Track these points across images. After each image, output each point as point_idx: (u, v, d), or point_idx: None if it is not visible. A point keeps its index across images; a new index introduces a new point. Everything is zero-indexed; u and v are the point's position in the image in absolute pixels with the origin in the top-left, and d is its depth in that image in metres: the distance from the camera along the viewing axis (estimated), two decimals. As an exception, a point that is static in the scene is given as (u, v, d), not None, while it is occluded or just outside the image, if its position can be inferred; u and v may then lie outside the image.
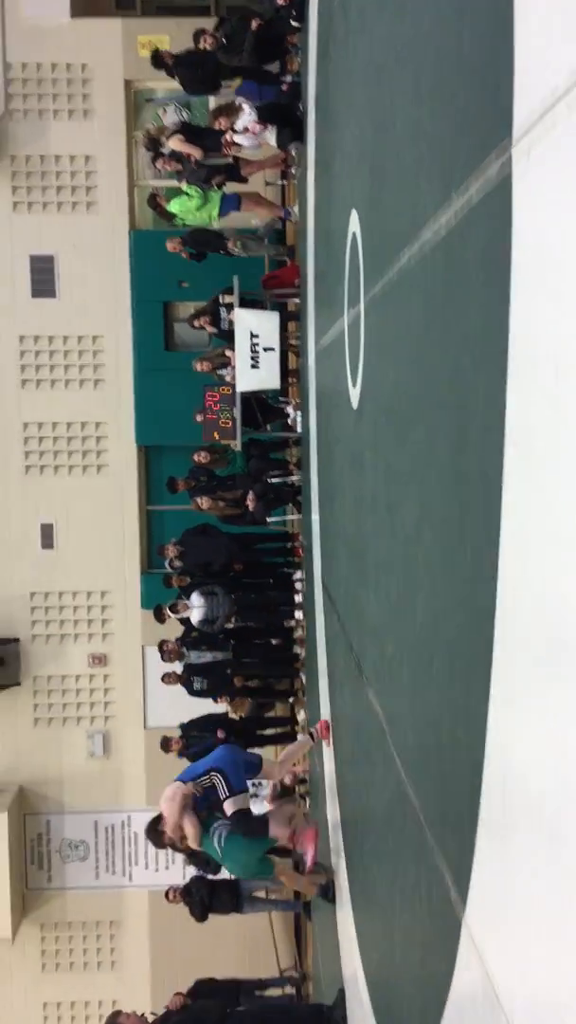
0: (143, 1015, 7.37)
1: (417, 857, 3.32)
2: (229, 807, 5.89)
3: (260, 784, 10.02)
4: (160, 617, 10.62)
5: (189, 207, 10.53)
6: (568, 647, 1.80)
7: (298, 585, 10.83)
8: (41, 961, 13.49)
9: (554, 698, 1.88)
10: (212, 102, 11.20)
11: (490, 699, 2.30)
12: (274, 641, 11.35)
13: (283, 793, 9.99)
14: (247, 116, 9.50)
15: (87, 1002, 13.52)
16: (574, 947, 1.77)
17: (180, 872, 11.77)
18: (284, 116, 9.53)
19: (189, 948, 11.60)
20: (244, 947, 11.82)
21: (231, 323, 10.46)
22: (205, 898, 9.52)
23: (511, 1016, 2.18)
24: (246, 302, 10.68)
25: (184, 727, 10.65)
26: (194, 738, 10.55)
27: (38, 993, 13.47)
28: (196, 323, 10.92)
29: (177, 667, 10.67)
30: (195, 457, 10.87)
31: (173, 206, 10.60)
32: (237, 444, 10.89)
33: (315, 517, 8.29)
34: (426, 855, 3.13)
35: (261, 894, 10.25)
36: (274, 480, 10.91)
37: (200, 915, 9.56)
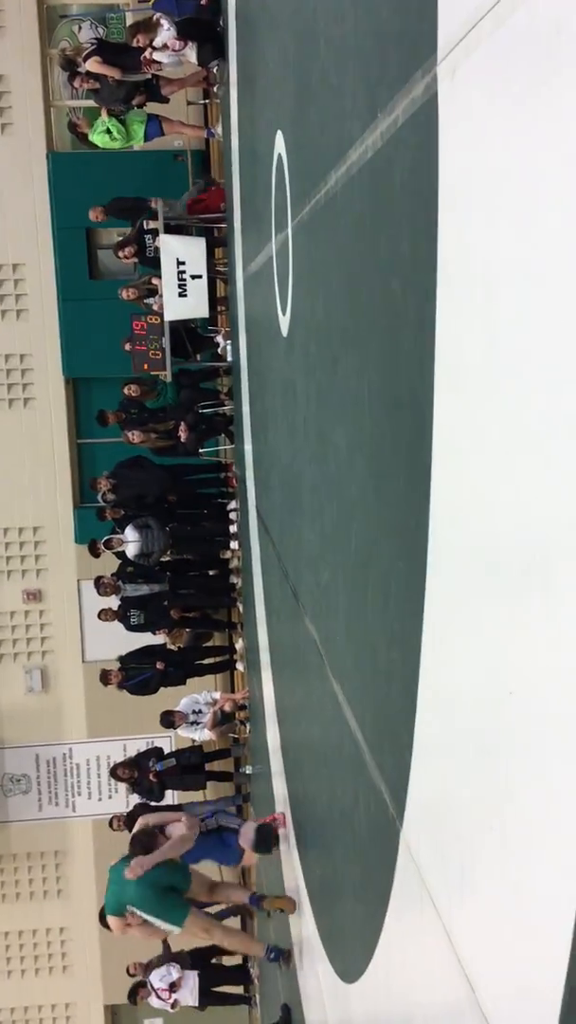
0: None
1: (355, 777, 3.41)
2: None
3: (200, 712, 10.15)
4: (94, 551, 10.56)
5: (111, 145, 10.24)
6: (498, 570, 1.83)
7: (233, 515, 10.84)
8: (-12, 893, 13.65)
9: (485, 619, 1.92)
10: (130, 17, 10.79)
11: (424, 622, 2.34)
12: (210, 572, 11.38)
13: (223, 720, 10.15)
14: (166, 32, 9.17)
15: (35, 930, 13.74)
16: (505, 851, 1.84)
17: (123, 801, 11.92)
18: (204, 32, 9.22)
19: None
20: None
21: (156, 250, 10.23)
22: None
23: (448, 919, 2.27)
24: (171, 228, 10.44)
25: (123, 659, 10.70)
26: (133, 670, 10.61)
27: (-15, 924, 13.65)
28: (121, 254, 10.66)
29: (113, 602, 10.65)
30: (125, 390, 10.71)
31: (95, 138, 10.26)
32: (167, 375, 10.74)
33: (248, 447, 8.26)
34: (364, 774, 3.21)
35: (204, 818, 10.45)
36: (205, 411, 10.82)
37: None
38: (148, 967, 9.37)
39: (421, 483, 2.27)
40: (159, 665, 10.53)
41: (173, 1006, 9.53)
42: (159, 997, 9.40)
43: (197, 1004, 9.65)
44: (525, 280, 1.61)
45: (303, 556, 4.81)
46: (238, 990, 10.85)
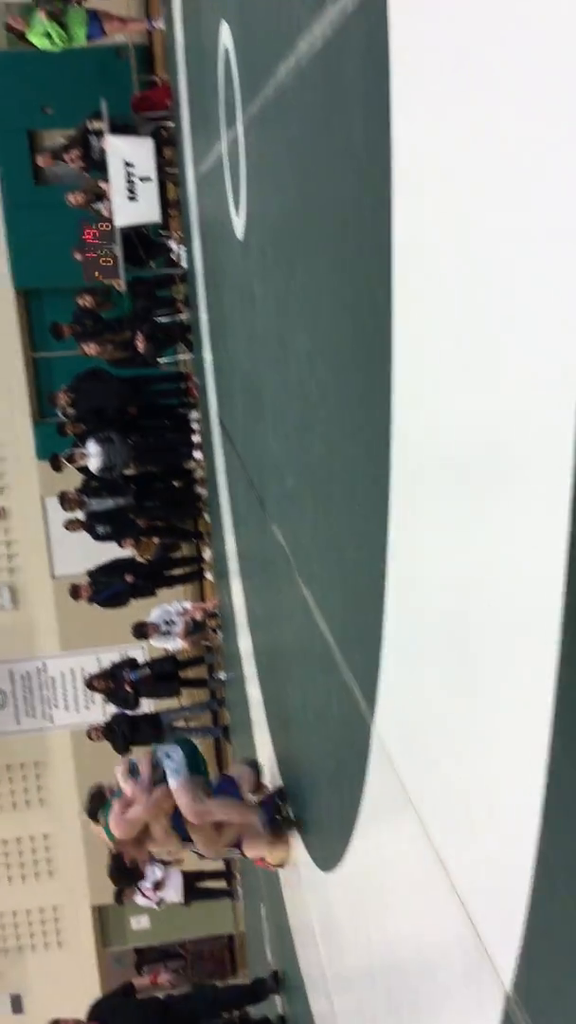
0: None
1: (327, 676, 3.48)
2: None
3: (172, 622, 10.25)
4: (56, 466, 10.48)
5: (51, 48, 9.82)
6: (461, 466, 1.84)
7: (195, 425, 10.77)
8: (-29, 805, 13.91)
9: (449, 517, 1.94)
10: None
11: (389, 522, 2.37)
12: (175, 483, 11.35)
13: (195, 629, 10.27)
14: None
15: (19, 838, 14.08)
16: (474, 743, 1.90)
17: (100, 711, 12.10)
18: None
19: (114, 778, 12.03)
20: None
21: (103, 152, 9.89)
22: (127, 732, 9.87)
23: (420, 810, 2.35)
24: (117, 127, 10.07)
25: (92, 573, 10.73)
26: (102, 584, 10.65)
27: (-29, 836, 13.95)
28: (66, 157, 10.29)
29: (79, 515, 10.63)
30: (78, 300, 10.48)
31: (34, 39, 9.80)
32: (121, 284, 10.51)
33: (207, 355, 8.16)
34: (335, 673, 3.28)
35: (181, 723, 10.67)
36: (162, 319, 10.63)
37: (123, 749, 9.92)
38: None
39: (383, 384, 2.27)
40: (128, 578, 10.58)
41: (159, 904, 9.87)
42: (144, 896, 9.73)
43: (182, 900, 10.00)
44: (483, 168, 1.58)
45: (267, 463, 4.80)
46: (221, 885, 11.23)
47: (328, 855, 3.98)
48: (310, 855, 4.63)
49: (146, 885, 9.72)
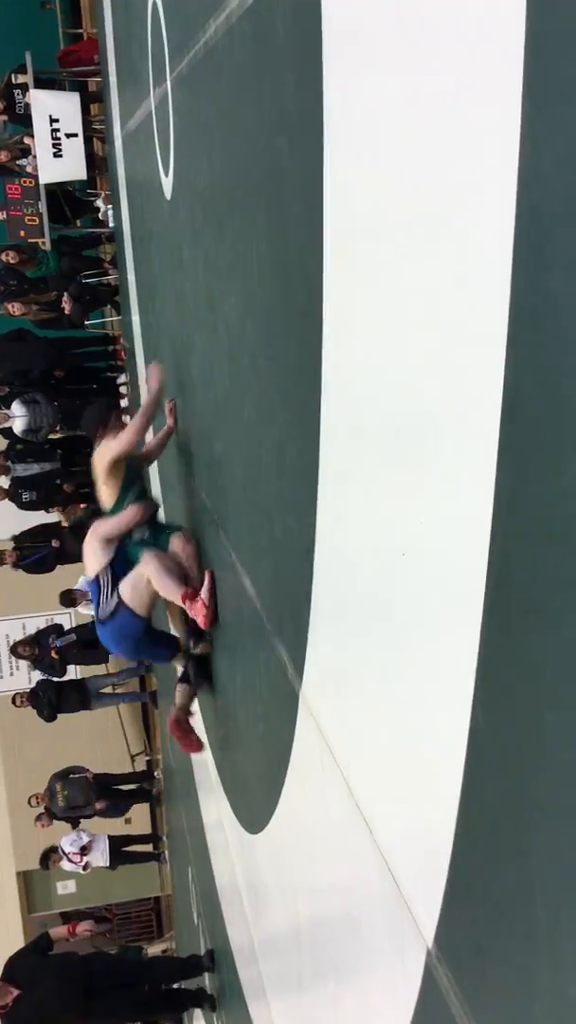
0: None
1: (255, 641, 3.48)
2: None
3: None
4: (-20, 432, 10.27)
5: None
6: (390, 434, 1.85)
7: (123, 389, 10.63)
8: None
9: (377, 484, 1.95)
10: None
11: (318, 489, 2.37)
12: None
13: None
14: None
15: (-57, 807, 13.91)
16: (399, 707, 1.92)
17: (25, 678, 11.98)
18: None
19: (40, 747, 11.97)
20: (94, 740, 12.29)
21: (27, 107, 9.62)
22: (52, 699, 9.79)
23: (346, 772, 2.37)
24: (42, 82, 9.80)
25: (17, 539, 10.56)
26: (28, 549, 10.49)
27: None
28: None
29: (4, 483, 10.43)
30: (2, 257, 10.21)
31: None
32: (46, 242, 10.27)
33: (136, 318, 8.04)
34: (263, 638, 3.29)
35: (108, 690, 10.63)
36: (89, 280, 10.43)
37: (49, 716, 9.86)
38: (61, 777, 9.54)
39: (313, 349, 2.26)
40: (55, 543, 10.45)
41: (85, 868, 9.87)
42: (71, 861, 9.72)
43: (108, 864, 10.01)
44: (412, 131, 1.57)
45: (196, 428, 4.76)
46: (148, 848, 11.26)
47: (255, 817, 4.02)
48: (237, 817, 4.66)
49: (71, 850, 9.71)
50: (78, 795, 9.65)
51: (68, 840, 9.78)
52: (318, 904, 3.00)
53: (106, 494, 5.08)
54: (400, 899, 2.01)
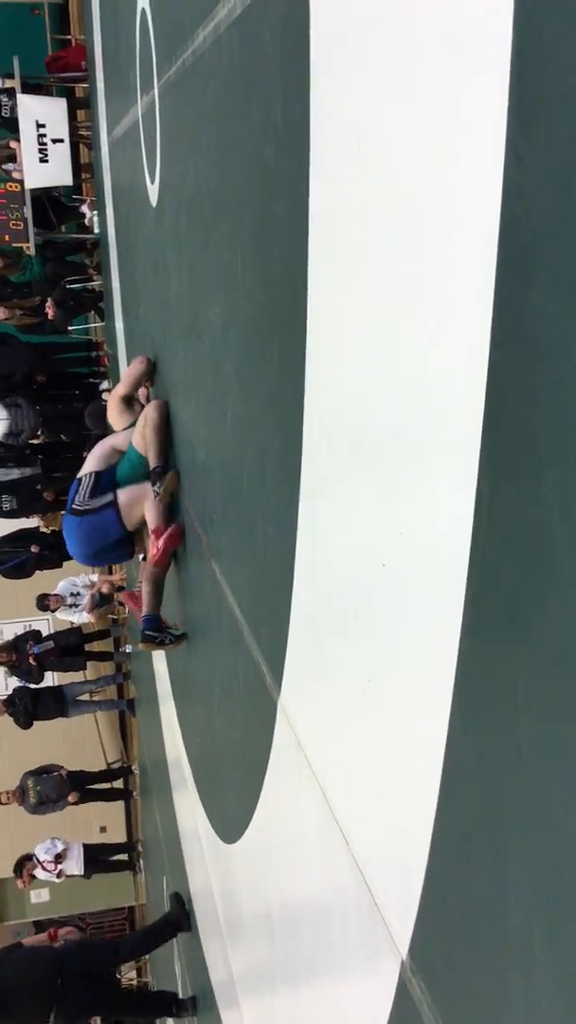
0: None
1: (234, 649, 3.48)
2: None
3: (78, 594, 10.12)
4: (-40, 434, 10.20)
5: None
6: (371, 445, 1.85)
7: (105, 396, 10.61)
8: None
9: (359, 494, 1.95)
10: None
11: (299, 498, 2.37)
12: (84, 453, 11.17)
13: (102, 602, 10.16)
14: None
15: None
16: (376, 717, 1.92)
17: (2, 683, 11.91)
18: None
19: (17, 753, 11.88)
20: (71, 747, 12.22)
21: (14, 110, 9.60)
22: (29, 706, 9.73)
23: (322, 781, 2.37)
24: (30, 87, 9.79)
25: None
26: (6, 554, 10.44)
27: None
28: None
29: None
30: (-15, 262, 10.19)
31: None
32: (31, 247, 10.25)
33: (119, 324, 8.03)
34: (242, 646, 3.28)
35: (86, 697, 10.57)
36: (73, 286, 10.42)
37: (25, 723, 9.79)
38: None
39: (296, 357, 2.26)
40: (34, 548, 10.39)
41: (59, 876, 9.80)
42: (45, 869, 9.64)
43: (83, 873, 9.94)
44: (399, 143, 1.58)
45: (179, 436, 4.76)
46: (123, 857, 11.19)
47: (231, 827, 4.00)
48: (213, 827, 4.64)
49: (46, 858, 9.64)
50: (51, 791, 9.58)
51: (43, 848, 9.71)
52: (292, 913, 2.99)
53: (123, 431, 5.32)
54: (375, 908, 2.00)
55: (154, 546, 4.85)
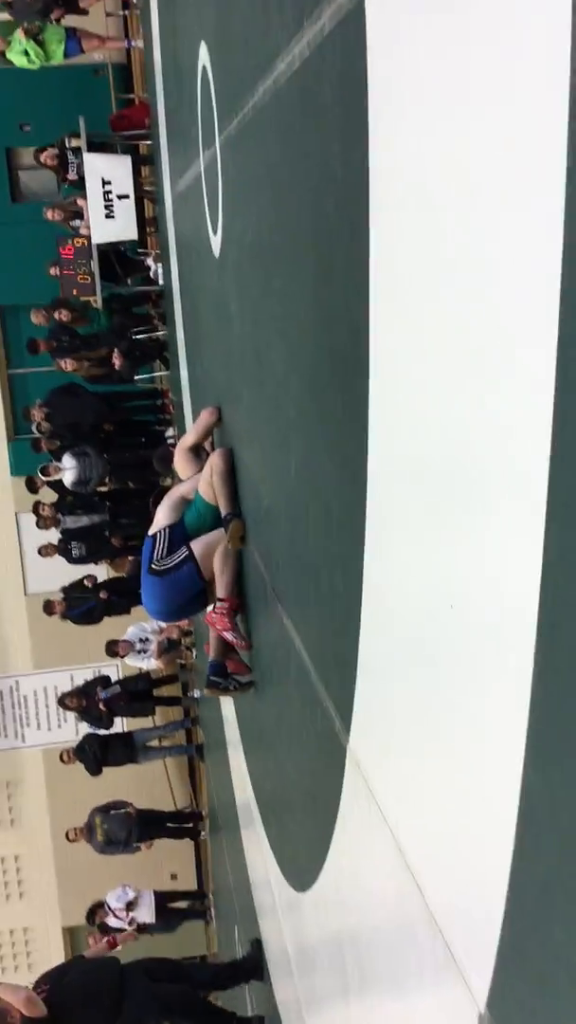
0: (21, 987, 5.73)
1: (302, 694, 3.46)
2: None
3: (147, 640, 10.20)
4: (33, 487, 10.43)
5: (29, 67, 9.86)
6: (436, 486, 1.85)
7: (171, 442, 10.75)
8: None
9: (425, 536, 1.94)
10: None
11: (365, 541, 2.36)
12: (151, 506, 11.31)
13: (170, 647, 10.22)
14: None
15: (-10, 859, 13.90)
16: (448, 764, 1.89)
17: (73, 729, 12.01)
18: None
19: (87, 798, 11.93)
20: (140, 791, 12.22)
21: (80, 167, 9.90)
22: (98, 753, 9.79)
23: (395, 830, 2.34)
24: (95, 145, 10.09)
25: (66, 590, 10.66)
26: (76, 600, 10.58)
27: None
28: (42, 157, 10.26)
29: (53, 535, 10.56)
30: (55, 314, 10.46)
31: (12, 57, 9.84)
32: (98, 300, 10.50)
33: (184, 372, 8.16)
34: (311, 691, 3.27)
35: (154, 743, 10.60)
36: (139, 336, 10.63)
37: (95, 770, 9.84)
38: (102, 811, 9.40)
39: (359, 401, 2.27)
40: (102, 594, 10.52)
41: (130, 924, 9.76)
42: (116, 917, 9.62)
43: (154, 921, 9.89)
44: (460, 189, 1.59)
45: (243, 480, 4.80)
46: (194, 905, 11.12)
47: (302, 875, 3.96)
48: (284, 875, 4.59)
49: (117, 906, 9.62)
50: (119, 829, 9.57)
51: (114, 896, 9.70)
52: (366, 965, 2.94)
53: (189, 481, 5.37)
54: (451, 961, 1.96)
55: (219, 623, 4.89)
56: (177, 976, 6.47)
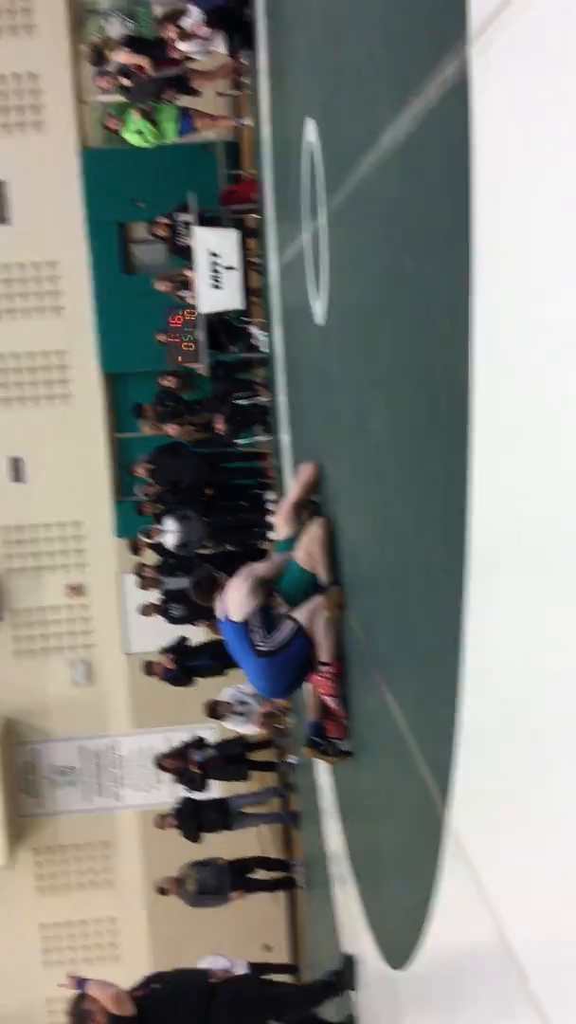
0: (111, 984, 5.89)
1: (399, 764, 3.40)
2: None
3: (245, 703, 10.17)
4: (135, 549, 10.63)
5: (144, 145, 10.33)
6: (539, 553, 1.81)
7: (271, 506, 10.84)
8: (36, 885, 13.81)
9: (528, 603, 1.90)
10: (158, 10, 10.78)
11: (465, 607, 2.33)
12: (195, 592, 11.36)
13: (269, 716, 10.16)
14: (192, 18, 9.17)
15: (84, 920, 13.91)
16: (553, 836, 1.82)
17: (168, 791, 12.01)
18: (233, 21, 9.21)
19: (182, 860, 11.89)
20: (234, 856, 12.12)
21: (189, 240, 10.24)
22: (199, 819, 9.72)
23: (496, 910, 2.25)
24: (204, 219, 10.44)
25: (166, 650, 10.76)
26: (187, 650, 10.65)
27: (35, 916, 13.82)
28: (154, 228, 10.66)
29: (154, 595, 10.71)
30: (161, 382, 10.75)
31: (127, 136, 10.31)
32: (202, 367, 10.76)
33: (285, 437, 8.26)
34: (408, 762, 3.20)
35: (250, 809, 10.51)
36: (242, 402, 10.82)
37: (194, 836, 9.77)
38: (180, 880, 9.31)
39: (461, 467, 2.26)
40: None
41: None
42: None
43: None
44: (565, 263, 1.59)
45: (343, 545, 4.80)
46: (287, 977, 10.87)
47: (399, 952, 3.84)
48: (379, 951, 4.47)
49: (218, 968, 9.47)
50: (210, 880, 9.44)
51: (207, 963, 9.57)
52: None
53: (266, 563, 5.43)
54: (555, 1054, 1.87)
55: (324, 688, 4.87)
56: (264, 998, 6.38)
